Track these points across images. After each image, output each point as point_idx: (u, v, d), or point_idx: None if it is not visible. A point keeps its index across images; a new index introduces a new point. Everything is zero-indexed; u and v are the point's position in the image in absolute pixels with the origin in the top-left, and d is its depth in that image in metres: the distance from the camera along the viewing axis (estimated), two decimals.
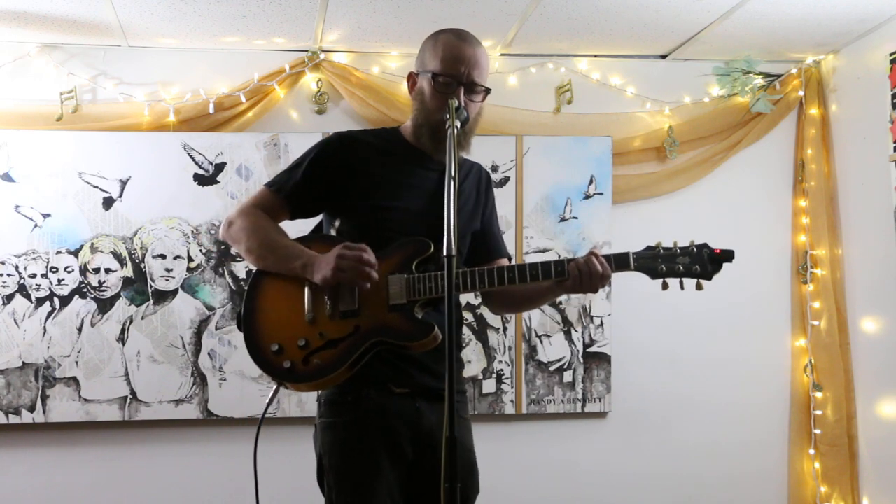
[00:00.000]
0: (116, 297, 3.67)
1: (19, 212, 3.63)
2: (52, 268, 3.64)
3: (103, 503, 3.68)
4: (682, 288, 2.02)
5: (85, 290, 3.65)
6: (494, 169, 3.82)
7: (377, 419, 2.12)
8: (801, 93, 4.08)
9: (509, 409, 3.86)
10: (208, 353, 3.71)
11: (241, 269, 3.74)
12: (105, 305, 3.67)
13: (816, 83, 4.08)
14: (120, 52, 3.79)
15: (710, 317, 4.02)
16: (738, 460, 4.01)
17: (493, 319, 3.85)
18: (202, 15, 3.45)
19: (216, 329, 3.72)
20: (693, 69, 4.07)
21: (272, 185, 2.25)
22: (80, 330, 3.64)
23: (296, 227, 2.31)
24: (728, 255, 2.02)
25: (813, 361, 4.00)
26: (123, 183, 3.70)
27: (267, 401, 2.17)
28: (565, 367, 3.91)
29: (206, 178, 3.74)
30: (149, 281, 3.69)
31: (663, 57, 4.08)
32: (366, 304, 2.07)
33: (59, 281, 3.64)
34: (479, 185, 2.33)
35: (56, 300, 3.64)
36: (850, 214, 3.95)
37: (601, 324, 3.92)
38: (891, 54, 3.60)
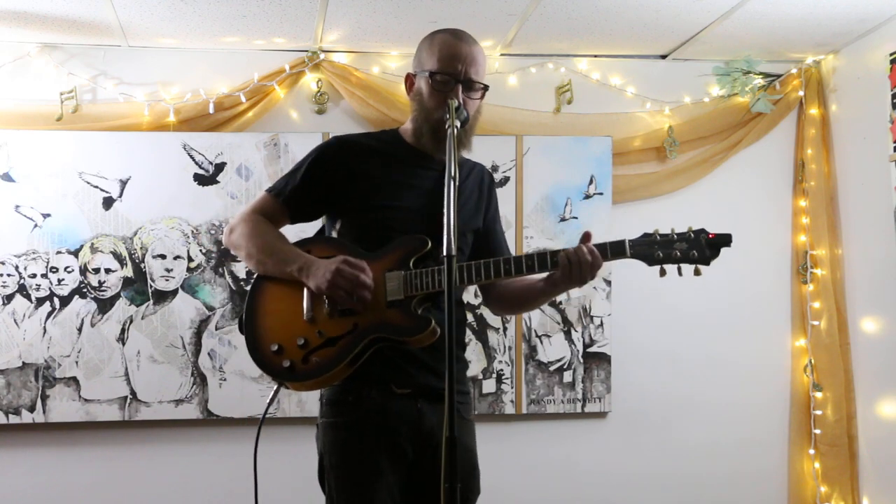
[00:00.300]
0: (116, 297, 3.67)
1: (19, 212, 3.63)
2: (52, 268, 3.64)
3: (103, 503, 3.68)
4: (679, 274, 1.98)
5: (85, 290, 3.65)
6: (494, 169, 3.82)
7: (378, 419, 2.12)
8: (801, 93, 4.08)
9: (509, 409, 3.86)
10: (208, 353, 3.71)
11: (240, 269, 3.74)
12: (105, 305, 3.67)
13: (816, 83, 4.08)
14: (120, 52, 3.79)
15: (710, 317, 4.03)
16: (738, 460, 4.01)
17: (493, 319, 3.85)
18: (202, 15, 3.45)
19: (216, 329, 3.72)
20: (693, 69, 4.07)
21: (272, 189, 2.28)
22: (80, 330, 3.64)
23: (296, 229, 2.32)
24: (725, 239, 1.98)
25: (813, 361, 4.00)
26: (123, 183, 3.70)
27: (267, 401, 2.17)
28: (565, 367, 3.91)
29: (206, 178, 3.74)
30: (149, 281, 3.69)
31: (663, 57, 4.08)
32: (372, 291, 2.08)
33: (59, 281, 3.64)
34: (481, 184, 2.33)
35: (56, 300, 3.64)
36: (850, 214, 3.95)
37: (601, 324, 3.92)
38: (891, 54, 3.60)
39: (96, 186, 3.68)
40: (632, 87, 4.05)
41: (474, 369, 3.83)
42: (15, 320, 3.62)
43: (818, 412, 3.99)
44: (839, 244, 3.99)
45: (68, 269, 3.65)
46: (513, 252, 2.46)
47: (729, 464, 4.01)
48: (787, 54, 4.03)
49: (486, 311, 3.82)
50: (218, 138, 3.76)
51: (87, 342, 3.64)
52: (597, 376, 3.92)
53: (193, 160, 3.73)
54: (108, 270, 3.68)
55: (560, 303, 3.90)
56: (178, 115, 3.73)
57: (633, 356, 3.97)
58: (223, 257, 3.73)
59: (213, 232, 3.73)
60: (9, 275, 3.61)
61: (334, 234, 2.26)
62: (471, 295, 3.61)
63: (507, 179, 3.86)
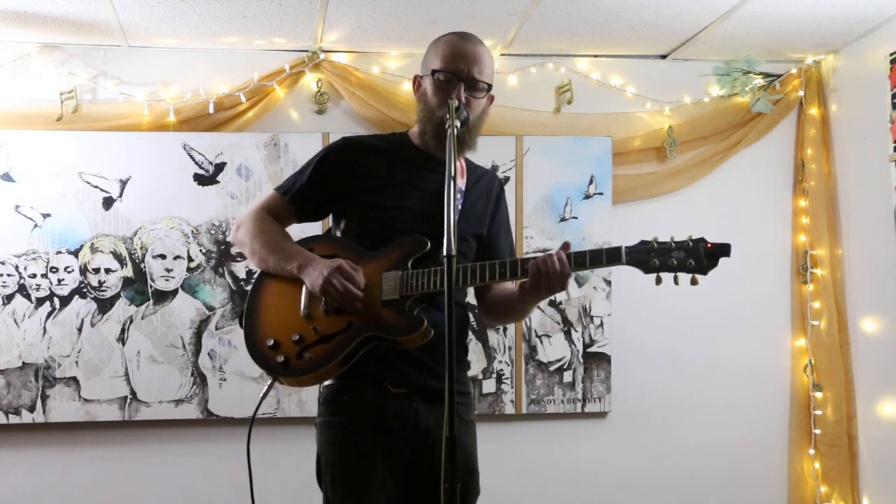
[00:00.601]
0: (116, 297, 3.67)
1: (19, 212, 3.63)
2: (52, 268, 3.64)
3: (103, 503, 3.68)
4: (675, 283, 1.95)
5: (85, 290, 3.65)
6: (494, 169, 3.82)
7: (373, 419, 2.13)
8: (801, 93, 4.08)
9: (509, 409, 3.86)
10: (208, 353, 3.71)
11: (241, 269, 3.74)
12: (105, 305, 3.67)
13: (816, 83, 4.08)
14: (120, 52, 3.79)
15: (710, 317, 4.03)
16: (738, 460, 4.01)
17: None
18: (202, 15, 3.45)
19: (216, 329, 3.72)
20: (693, 69, 4.07)
21: (280, 188, 2.31)
22: (80, 330, 3.64)
23: (301, 227, 2.33)
24: (724, 249, 1.93)
25: (813, 361, 4.00)
26: (123, 183, 3.70)
27: (261, 395, 2.20)
28: (565, 367, 3.91)
29: (206, 178, 3.74)
30: (149, 281, 3.69)
31: (663, 57, 4.08)
32: (364, 294, 2.09)
33: (59, 281, 3.64)
34: (489, 191, 2.33)
35: (56, 300, 3.64)
36: (850, 214, 3.95)
37: (601, 324, 3.92)
38: (891, 54, 3.60)
39: (96, 186, 3.68)
40: (632, 87, 4.05)
41: (474, 369, 3.83)
42: (15, 320, 3.62)
43: (818, 412, 3.99)
44: (839, 244, 3.99)
45: (68, 269, 3.65)
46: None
47: (729, 464, 4.01)
48: (787, 54, 4.03)
49: None
50: (218, 138, 3.76)
51: (87, 342, 3.64)
52: (597, 376, 3.92)
53: (193, 160, 3.73)
54: (108, 270, 3.68)
55: (560, 303, 3.90)
56: (178, 115, 3.73)
57: (633, 356, 3.97)
58: (223, 257, 3.73)
59: (213, 232, 3.73)
60: (9, 275, 3.61)
61: (338, 233, 2.28)
62: (471, 296, 3.61)
63: (507, 179, 3.86)
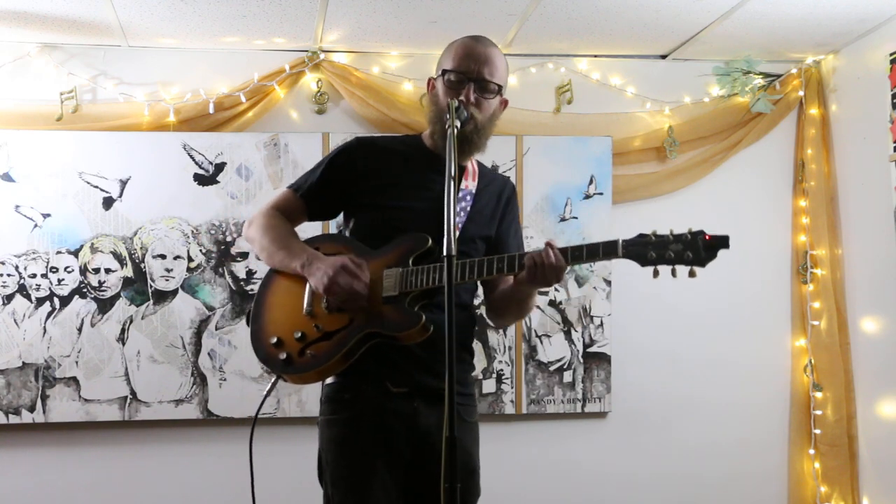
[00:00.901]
0: (116, 297, 3.67)
1: (19, 212, 3.63)
2: (52, 268, 3.64)
3: (103, 503, 3.68)
4: (673, 275, 1.92)
5: (85, 290, 3.65)
6: (494, 169, 3.82)
7: (373, 418, 2.13)
8: (801, 93, 4.08)
9: (509, 409, 3.86)
10: (208, 353, 3.71)
11: (241, 269, 3.74)
12: (105, 305, 3.67)
13: (816, 83, 4.08)
14: (120, 52, 3.79)
15: (710, 317, 4.03)
16: (738, 460, 4.01)
17: None
18: (202, 15, 3.45)
19: (216, 329, 3.72)
20: (693, 69, 4.07)
21: (293, 185, 2.35)
22: (80, 330, 3.64)
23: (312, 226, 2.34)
24: (722, 241, 1.89)
25: (813, 361, 4.00)
26: (123, 183, 3.70)
27: (264, 393, 2.21)
28: (565, 367, 3.91)
29: (206, 178, 3.74)
30: (149, 281, 3.69)
31: (663, 57, 4.08)
32: (369, 291, 2.10)
33: (59, 281, 3.64)
34: (500, 194, 2.33)
35: (56, 300, 3.64)
36: (850, 214, 3.95)
37: (601, 324, 3.92)
38: (891, 54, 3.59)
39: (96, 186, 3.68)
40: (632, 87, 4.05)
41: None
42: (15, 320, 3.62)
43: (818, 412, 3.99)
44: (839, 244, 3.99)
45: (68, 269, 3.65)
46: None
47: (729, 464, 4.00)
48: (787, 54, 4.03)
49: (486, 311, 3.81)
50: (218, 138, 3.76)
51: (87, 342, 3.64)
52: (597, 376, 3.92)
53: (193, 160, 3.73)
54: (108, 270, 3.68)
55: (560, 303, 3.90)
56: (178, 115, 3.73)
57: (633, 356, 3.97)
58: (223, 257, 3.73)
59: (213, 232, 3.73)
60: (9, 275, 3.61)
61: (347, 233, 2.30)
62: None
63: None
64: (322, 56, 3.83)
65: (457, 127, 2.01)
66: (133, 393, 3.66)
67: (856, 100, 3.90)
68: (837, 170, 4.01)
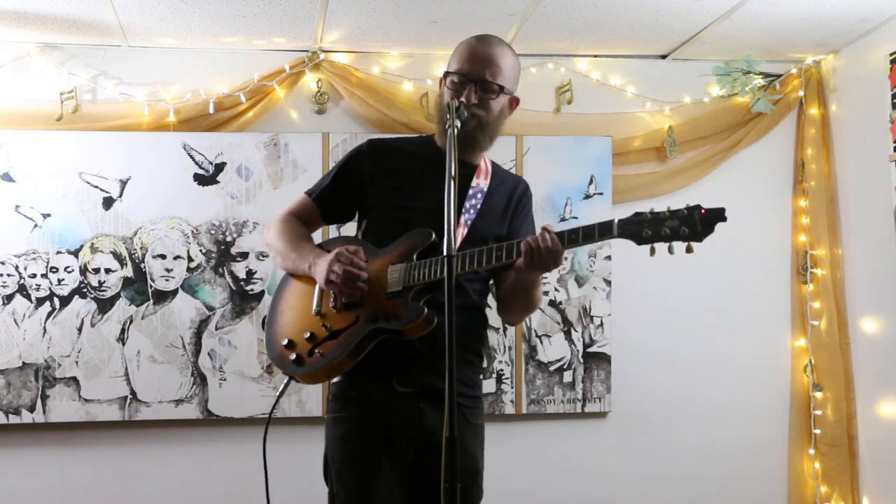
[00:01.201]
0: (116, 297, 3.67)
1: (19, 212, 3.63)
2: (52, 268, 3.64)
3: (103, 503, 3.68)
4: (670, 252, 1.87)
5: (85, 290, 3.65)
6: None
7: (378, 417, 2.15)
8: (801, 93, 4.08)
9: (509, 409, 3.86)
10: (208, 353, 3.71)
11: (241, 269, 3.74)
12: (105, 305, 3.67)
13: (816, 83, 4.08)
14: (120, 52, 3.79)
15: (710, 317, 4.03)
16: (738, 460, 4.01)
17: (493, 319, 3.83)
18: (202, 15, 3.45)
19: (216, 329, 3.72)
20: (693, 69, 4.07)
21: (308, 190, 2.40)
22: (80, 330, 3.64)
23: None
24: (718, 214, 1.84)
25: (813, 361, 4.00)
26: (123, 183, 3.70)
27: (277, 394, 2.24)
28: (565, 367, 3.91)
29: (206, 178, 3.74)
30: (149, 281, 3.69)
31: (663, 57, 4.08)
32: (367, 294, 2.13)
33: (59, 281, 3.64)
34: (511, 195, 2.33)
35: (56, 300, 3.64)
36: (850, 214, 3.95)
37: (601, 324, 3.92)
38: (891, 54, 3.60)
39: (96, 186, 3.68)
40: (632, 87, 4.05)
41: None
42: (15, 320, 3.61)
43: (818, 412, 3.99)
44: (839, 244, 3.99)
45: (68, 269, 3.65)
46: None
47: (729, 464, 4.00)
48: (787, 54, 4.03)
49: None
50: (218, 138, 3.76)
51: (87, 342, 3.64)
52: (597, 376, 3.92)
53: (193, 160, 3.73)
54: (108, 270, 3.68)
55: (560, 303, 3.90)
56: (178, 115, 3.73)
57: (633, 356, 3.97)
58: (223, 257, 3.73)
59: (212, 232, 3.73)
60: (9, 275, 3.61)
61: (359, 234, 2.33)
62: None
63: None
64: (322, 56, 3.83)
65: (457, 127, 2.01)
66: (133, 393, 3.66)
67: (856, 100, 3.90)
68: (837, 170, 4.01)
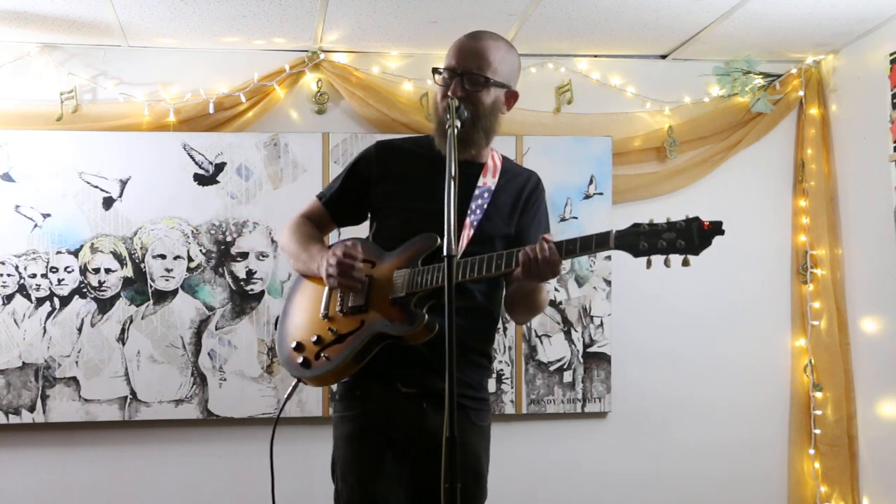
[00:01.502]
0: (116, 297, 3.67)
1: (19, 212, 3.63)
2: (52, 268, 3.64)
3: (103, 503, 3.68)
4: (666, 265, 1.87)
5: (85, 290, 3.65)
6: None
7: (381, 417, 2.16)
8: (801, 93, 4.08)
9: (509, 409, 3.86)
10: (208, 353, 3.71)
11: (241, 269, 3.74)
12: (105, 305, 3.67)
13: (816, 83, 4.08)
14: (120, 52, 3.79)
15: (710, 317, 4.03)
16: (738, 460, 4.01)
17: None
18: (202, 15, 3.45)
19: (216, 329, 3.72)
20: (693, 69, 4.07)
21: (319, 193, 2.43)
22: (80, 330, 3.64)
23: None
24: (717, 228, 1.83)
25: (813, 361, 4.00)
26: (123, 183, 3.70)
27: (286, 395, 2.27)
28: (565, 367, 3.91)
29: (206, 178, 3.74)
30: (149, 281, 3.69)
31: (663, 57, 4.08)
32: (373, 299, 2.14)
33: (59, 281, 3.64)
34: (521, 191, 2.29)
35: (56, 300, 3.64)
36: (850, 214, 3.95)
37: (601, 324, 3.92)
38: (891, 54, 3.59)
39: (96, 186, 3.68)
40: (632, 87, 4.05)
41: None
42: (15, 320, 3.61)
43: (818, 412, 3.99)
44: (839, 244, 3.99)
45: (68, 269, 3.65)
46: None
47: (729, 464, 4.00)
48: (787, 54, 4.03)
49: None
50: (218, 138, 3.76)
51: (87, 342, 3.64)
52: (597, 376, 3.92)
53: (193, 160, 3.73)
54: (108, 270, 3.68)
55: (560, 303, 3.90)
56: (178, 115, 3.73)
57: (633, 356, 3.97)
58: (223, 257, 3.73)
59: (212, 232, 3.73)
60: (9, 275, 3.61)
61: (370, 236, 2.34)
62: None
63: None
64: (322, 56, 3.83)
65: (457, 127, 2.01)
66: (133, 393, 3.66)
67: (856, 100, 3.90)
68: (837, 170, 4.01)
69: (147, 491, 3.70)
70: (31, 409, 3.61)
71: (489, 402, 2.34)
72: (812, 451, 4.00)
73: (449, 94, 2.12)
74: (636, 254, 1.89)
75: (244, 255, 3.74)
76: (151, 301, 3.69)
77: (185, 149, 3.73)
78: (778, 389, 4.08)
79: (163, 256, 3.71)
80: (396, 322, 2.08)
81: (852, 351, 3.92)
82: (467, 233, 2.17)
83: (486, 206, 2.21)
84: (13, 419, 3.60)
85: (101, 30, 3.58)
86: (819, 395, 3.98)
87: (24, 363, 3.61)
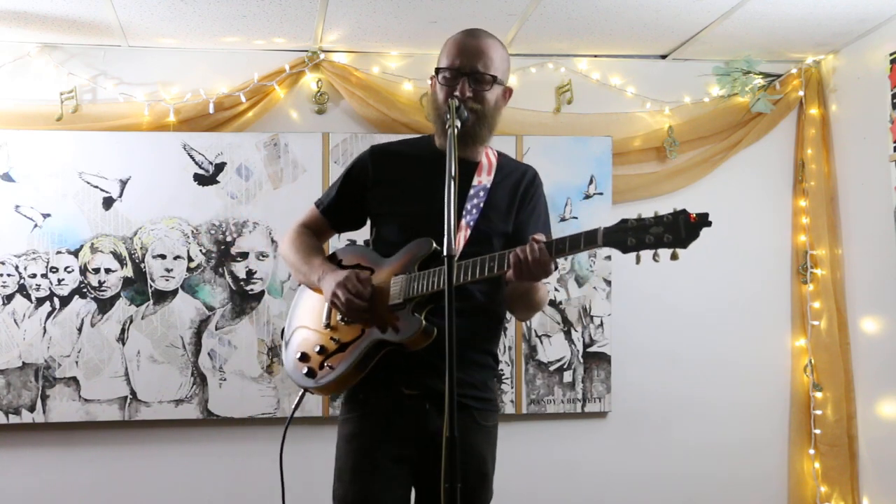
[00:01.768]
0: (116, 297, 3.67)
1: (19, 212, 3.63)
2: (52, 268, 3.64)
3: (103, 503, 3.68)
4: (655, 259, 1.84)
5: (85, 290, 3.65)
6: None
7: (382, 418, 2.17)
8: (801, 93, 4.08)
9: (509, 409, 3.86)
10: (208, 353, 3.71)
11: (241, 269, 3.74)
12: (105, 305, 3.67)
13: (816, 83, 4.08)
14: (120, 52, 3.79)
15: (710, 317, 4.03)
16: (738, 460, 4.01)
17: None
18: (202, 15, 3.45)
19: (216, 329, 3.72)
20: (693, 69, 4.07)
21: (317, 201, 2.42)
22: (80, 330, 3.64)
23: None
24: (703, 220, 1.82)
25: (813, 361, 4.00)
26: (123, 183, 3.70)
27: (293, 405, 2.31)
28: (565, 367, 3.91)
29: (206, 178, 3.74)
30: (149, 281, 3.69)
31: (663, 57, 4.08)
32: (373, 306, 2.14)
33: (59, 281, 3.64)
34: (517, 187, 2.27)
35: (56, 300, 3.64)
36: (850, 214, 3.95)
37: (601, 324, 3.92)
38: (891, 54, 3.60)
39: (96, 186, 3.68)
40: (632, 87, 4.05)
41: None
42: (15, 320, 3.61)
43: (818, 412, 3.99)
44: (839, 244, 3.99)
45: (68, 269, 3.65)
46: None
47: (729, 464, 4.01)
48: (787, 54, 4.03)
49: None
50: (218, 138, 3.76)
51: (87, 342, 3.64)
52: (597, 376, 3.92)
53: (193, 160, 3.73)
54: (108, 270, 3.68)
55: (560, 303, 3.90)
56: (178, 115, 3.73)
57: (633, 356, 3.97)
58: (223, 257, 3.73)
59: (212, 232, 3.73)
60: (9, 275, 3.61)
61: (371, 241, 2.35)
62: None
63: None
64: (322, 56, 3.83)
65: (457, 127, 2.01)
66: (133, 393, 3.66)
67: (856, 100, 3.90)
68: (837, 170, 4.01)
69: (147, 491, 3.70)
70: (31, 409, 3.61)
71: (495, 403, 2.32)
72: (812, 451, 4.00)
73: (457, 94, 2.11)
74: (625, 250, 1.88)
75: (244, 255, 3.74)
76: (151, 301, 3.69)
77: (185, 149, 3.73)
78: (778, 389, 4.08)
79: (163, 256, 3.71)
80: (395, 329, 2.09)
81: (852, 351, 3.93)
82: (464, 233, 2.17)
83: (481, 205, 2.20)
84: (13, 419, 3.60)
85: (101, 30, 3.58)
86: (819, 395, 3.98)
87: (24, 363, 3.61)
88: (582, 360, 3.91)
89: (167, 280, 3.71)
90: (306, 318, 2.31)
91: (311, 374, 2.21)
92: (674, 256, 1.82)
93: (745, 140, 4.06)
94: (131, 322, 3.68)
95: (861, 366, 3.89)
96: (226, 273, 3.73)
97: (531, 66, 3.97)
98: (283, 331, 2.39)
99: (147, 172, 3.70)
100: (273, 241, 3.73)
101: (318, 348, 2.21)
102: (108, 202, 3.69)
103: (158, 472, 3.71)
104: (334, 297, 2.13)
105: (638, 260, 1.87)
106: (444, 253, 1.81)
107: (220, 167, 3.75)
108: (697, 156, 4.06)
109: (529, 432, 3.91)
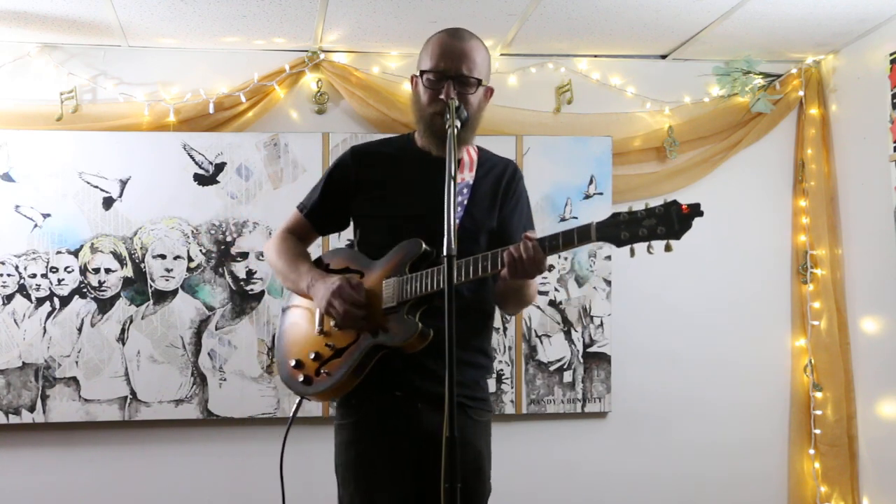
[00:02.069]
0: (116, 297, 3.67)
1: (19, 212, 3.63)
2: (52, 268, 3.64)
3: (103, 503, 3.68)
4: (649, 252, 1.82)
5: (85, 290, 3.65)
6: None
7: (377, 421, 2.16)
8: (801, 93, 4.08)
9: (509, 409, 3.86)
10: (208, 353, 3.71)
11: (241, 269, 3.74)
12: (105, 305, 3.67)
13: (816, 83, 4.08)
14: (120, 52, 3.79)
15: (710, 317, 4.03)
16: (738, 460, 4.01)
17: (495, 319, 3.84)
18: (202, 15, 3.45)
19: (216, 329, 3.72)
20: (693, 69, 4.07)
21: (299, 205, 2.40)
22: (80, 330, 3.64)
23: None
24: (695, 210, 1.79)
25: (813, 361, 4.00)
26: (123, 183, 3.70)
27: (292, 412, 2.29)
28: (565, 367, 3.91)
29: (206, 178, 3.74)
30: (149, 281, 3.69)
31: (663, 57, 4.08)
32: (366, 311, 2.13)
33: (59, 281, 3.64)
34: (499, 181, 2.27)
35: (56, 300, 3.64)
36: (850, 214, 3.95)
37: (601, 324, 3.92)
38: (891, 54, 3.60)
39: (96, 186, 3.68)
40: (632, 87, 4.05)
41: None
42: (15, 320, 3.61)
43: (818, 412, 3.99)
44: (839, 244, 3.99)
45: (68, 269, 3.65)
46: None
47: (729, 464, 4.00)
48: (787, 54, 4.03)
49: None
50: (218, 138, 3.76)
51: (87, 342, 3.64)
52: (597, 376, 3.92)
53: (193, 160, 3.73)
54: (108, 270, 3.68)
55: (560, 303, 3.90)
56: (178, 115, 3.73)
57: (633, 356, 3.97)
58: (223, 257, 3.73)
59: (212, 232, 3.73)
60: (9, 275, 3.61)
61: (355, 243, 2.33)
62: None
63: None
64: (322, 56, 3.83)
65: (457, 127, 2.01)
66: (133, 393, 3.66)
67: (856, 100, 3.90)
68: (837, 170, 4.01)
69: (147, 491, 3.70)
70: (31, 409, 3.61)
71: (489, 402, 2.33)
72: (812, 451, 4.00)
73: (443, 97, 2.10)
74: (619, 244, 1.86)
75: (244, 255, 3.74)
76: (151, 301, 3.69)
77: (185, 149, 3.73)
78: (778, 389, 4.08)
79: (163, 256, 3.71)
80: (391, 333, 2.09)
81: (852, 351, 3.93)
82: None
83: (465, 202, 2.20)
84: (13, 419, 3.60)
85: (101, 30, 3.58)
86: (819, 395, 3.98)
87: (24, 363, 3.61)
88: (582, 360, 3.91)
89: (167, 280, 3.71)
90: (298, 325, 2.29)
91: (307, 381, 2.20)
92: (668, 248, 1.81)
93: (745, 140, 4.06)
94: (131, 322, 3.68)
95: (861, 366, 3.89)
96: (226, 273, 3.74)
97: (531, 66, 3.97)
98: (273, 338, 2.37)
99: (147, 172, 3.70)
100: None
101: (313, 355, 2.19)
102: (108, 202, 3.69)
103: (158, 472, 3.71)
104: (330, 308, 2.11)
105: (632, 253, 1.86)
106: (444, 253, 1.81)
107: (220, 167, 3.75)
108: (697, 156, 4.06)
109: (529, 432, 3.91)
